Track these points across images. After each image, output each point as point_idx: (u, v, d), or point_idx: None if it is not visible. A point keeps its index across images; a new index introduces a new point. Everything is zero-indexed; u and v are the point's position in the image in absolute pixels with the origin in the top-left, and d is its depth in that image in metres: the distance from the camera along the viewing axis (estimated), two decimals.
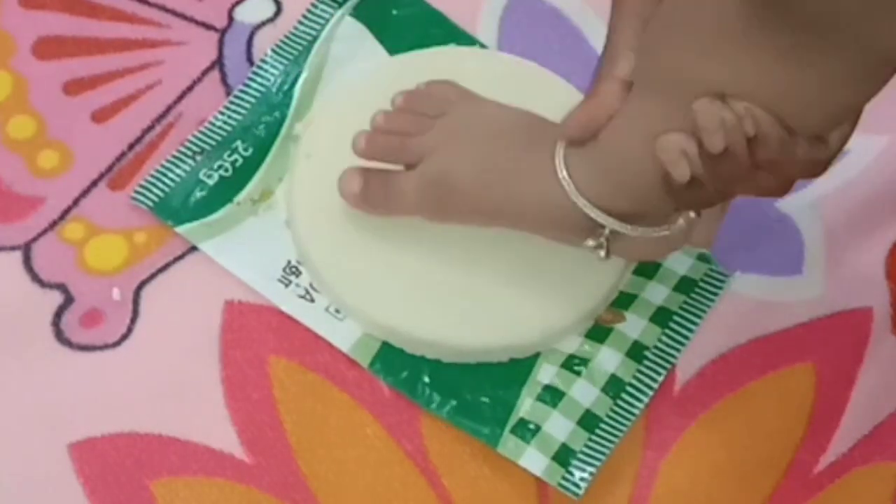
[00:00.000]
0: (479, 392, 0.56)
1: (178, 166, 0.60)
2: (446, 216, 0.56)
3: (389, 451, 0.56)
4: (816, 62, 0.41)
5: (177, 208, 0.60)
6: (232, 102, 0.62)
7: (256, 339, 0.58)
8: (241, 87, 0.63)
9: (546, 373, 0.57)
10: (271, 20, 0.65)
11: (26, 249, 0.59)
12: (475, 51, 0.64)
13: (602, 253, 0.52)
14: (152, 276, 0.59)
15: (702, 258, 0.59)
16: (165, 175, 0.60)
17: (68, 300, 0.58)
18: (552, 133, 0.52)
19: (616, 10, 0.50)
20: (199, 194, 0.60)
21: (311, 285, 0.58)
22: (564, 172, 0.51)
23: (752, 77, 0.43)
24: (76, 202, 0.61)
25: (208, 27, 0.65)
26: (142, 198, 0.60)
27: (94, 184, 0.61)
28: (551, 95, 0.60)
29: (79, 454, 0.55)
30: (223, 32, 0.65)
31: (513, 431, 0.55)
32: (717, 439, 0.56)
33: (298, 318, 0.58)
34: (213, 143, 0.61)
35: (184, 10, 0.65)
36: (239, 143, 0.61)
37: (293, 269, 0.58)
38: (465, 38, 0.65)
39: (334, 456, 0.56)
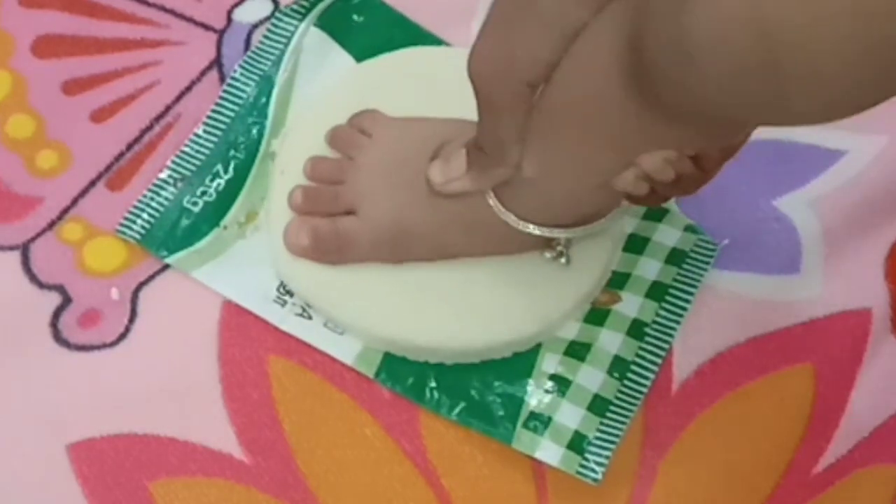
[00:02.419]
0: (487, 390, 0.56)
1: (160, 195, 0.60)
2: (404, 258, 0.56)
3: (389, 451, 0.56)
4: (687, 130, 0.43)
5: (164, 238, 0.59)
6: (207, 125, 0.61)
7: (255, 339, 0.58)
8: (215, 107, 0.62)
9: (550, 362, 0.57)
10: (269, 19, 0.65)
11: (24, 249, 0.59)
12: (442, 49, 0.64)
13: (563, 261, 0.56)
14: (150, 277, 0.59)
15: (689, 229, 0.59)
16: (149, 205, 0.60)
17: (66, 300, 0.58)
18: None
19: (494, 108, 0.48)
20: (185, 222, 0.59)
21: (306, 303, 0.58)
22: (501, 208, 0.52)
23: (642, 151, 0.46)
24: (75, 202, 0.60)
25: (207, 27, 0.65)
26: (127, 231, 0.59)
27: (93, 184, 0.61)
28: None
29: (77, 455, 0.55)
30: (222, 33, 0.65)
31: (525, 426, 0.55)
32: (716, 439, 0.56)
33: (298, 336, 0.57)
34: (193, 168, 0.60)
35: (183, 10, 0.65)
36: (219, 166, 0.60)
37: (287, 289, 0.58)
38: (429, 39, 0.64)
39: (333, 456, 0.56)
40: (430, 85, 0.60)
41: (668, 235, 0.59)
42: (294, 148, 0.60)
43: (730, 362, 0.58)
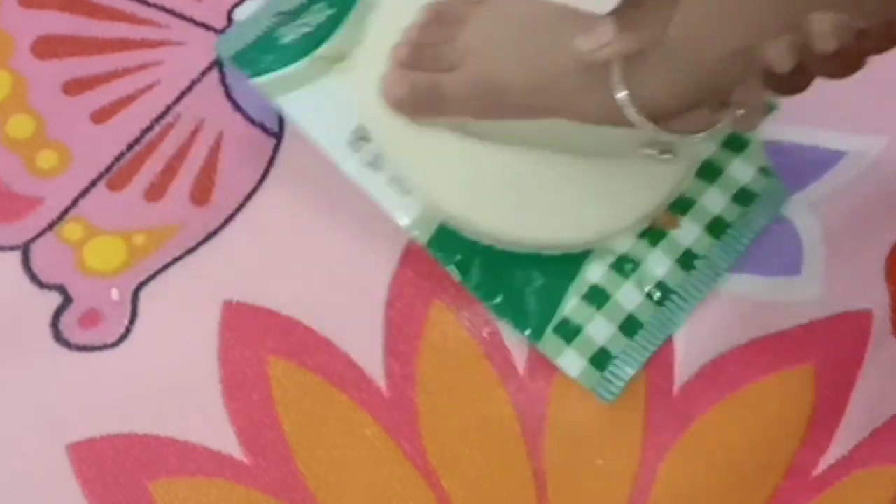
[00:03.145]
0: (528, 285, 0.57)
1: (261, 21, 0.61)
2: (495, 115, 0.56)
3: (388, 452, 0.56)
4: None
5: (254, 59, 0.60)
6: None
7: (255, 340, 0.58)
8: None
9: (595, 272, 0.57)
10: None
11: (25, 250, 0.59)
12: None
13: (667, 156, 0.55)
14: (151, 277, 0.59)
15: (763, 171, 0.59)
16: (248, 28, 0.61)
17: (67, 301, 0.58)
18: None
19: None
20: (277, 48, 0.60)
21: (379, 154, 0.58)
22: (623, 91, 0.51)
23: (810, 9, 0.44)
24: (75, 202, 0.60)
25: (207, 28, 0.65)
26: (223, 48, 0.60)
27: (93, 184, 0.61)
28: None
29: (77, 455, 0.55)
30: (222, 33, 0.65)
31: (555, 330, 0.56)
32: (717, 440, 0.56)
33: (360, 185, 0.57)
34: (296, 4, 0.61)
35: (183, 10, 0.65)
36: (322, 4, 0.61)
37: (364, 135, 0.58)
38: None
39: (333, 456, 0.56)
40: None
41: (742, 171, 0.59)
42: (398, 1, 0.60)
43: (731, 363, 0.58)
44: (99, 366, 0.57)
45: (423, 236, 0.57)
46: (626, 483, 0.56)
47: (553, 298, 0.56)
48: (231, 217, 0.60)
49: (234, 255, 0.60)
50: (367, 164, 0.58)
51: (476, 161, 0.57)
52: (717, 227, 0.58)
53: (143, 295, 0.59)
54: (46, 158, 0.62)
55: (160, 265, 0.59)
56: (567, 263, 0.57)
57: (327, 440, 0.56)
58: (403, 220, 0.57)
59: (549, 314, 0.56)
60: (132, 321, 0.58)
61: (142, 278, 0.59)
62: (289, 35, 0.60)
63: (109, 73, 0.64)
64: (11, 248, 0.59)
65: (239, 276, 0.59)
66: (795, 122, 0.63)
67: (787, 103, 0.63)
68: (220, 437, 0.56)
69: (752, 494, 0.56)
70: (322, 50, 0.60)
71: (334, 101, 0.59)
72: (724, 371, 0.58)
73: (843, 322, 0.59)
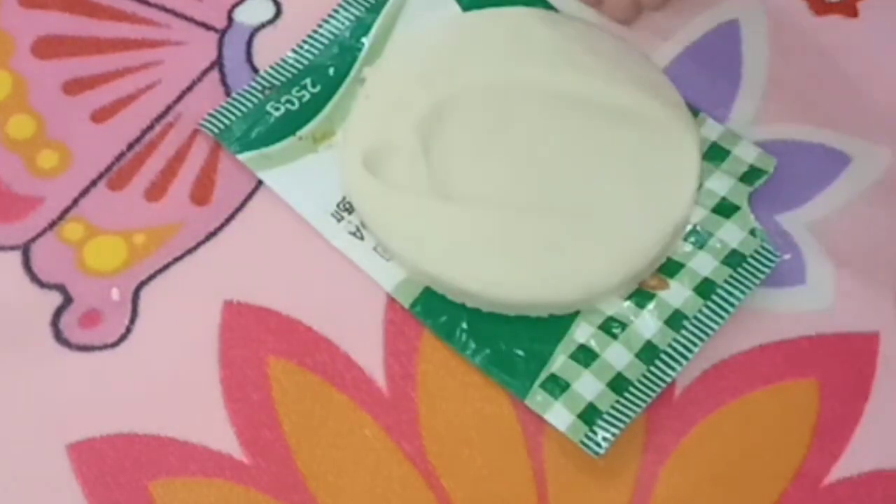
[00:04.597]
0: (515, 344, 0.57)
1: (247, 98, 0.62)
2: None
3: (388, 452, 0.56)
4: None
5: (240, 136, 0.61)
6: (305, 42, 0.64)
7: (255, 340, 0.58)
8: (315, 29, 0.64)
9: (583, 332, 0.57)
10: (271, 21, 0.65)
11: (25, 249, 0.59)
12: (551, 14, 0.65)
13: None
14: (151, 277, 0.59)
15: (754, 233, 0.58)
16: (234, 106, 0.62)
17: (67, 300, 0.58)
18: None
19: None
20: (263, 125, 0.61)
21: (362, 223, 0.59)
22: None
23: None
24: (75, 202, 0.60)
25: (208, 27, 0.65)
26: (209, 125, 0.62)
27: (94, 184, 0.61)
28: (619, 61, 0.62)
29: (77, 455, 0.55)
30: (223, 33, 0.65)
31: (542, 386, 0.56)
32: (719, 445, 0.56)
33: (346, 254, 0.59)
34: (284, 79, 0.63)
35: (183, 10, 0.65)
36: (308, 80, 0.63)
37: (347, 206, 0.60)
38: (540, 2, 0.65)
39: (333, 457, 0.56)
40: (529, 45, 0.62)
41: (732, 235, 0.59)
42: (382, 79, 0.62)
43: (734, 369, 0.58)
44: (99, 365, 0.57)
45: (406, 300, 0.58)
46: (627, 486, 0.55)
47: (540, 358, 0.56)
48: (231, 217, 0.60)
49: (234, 255, 0.60)
50: (351, 234, 0.59)
51: (458, 225, 0.58)
52: (706, 289, 0.57)
53: (143, 295, 0.59)
54: (47, 158, 0.62)
55: (160, 265, 0.59)
56: (554, 324, 0.57)
57: (327, 440, 0.56)
58: (388, 286, 0.58)
59: (536, 372, 0.56)
60: (132, 321, 0.58)
61: (142, 278, 0.59)
62: (275, 111, 0.62)
63: (110, 73, 0.64)
64: (12, 248, 0.59)
65: (239, 276, 0.59)
66: (798, 121, 0.63)
67: (792, 102, 0.63)
68: (220, 437, 0.55)
69: (755, 501, 0.55)
70: (306, 129, 0.62)
71: (318, 177, 0.61)
72: (727, 376, 0.57)
73: (850, 340, 0.58)
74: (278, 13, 0.66)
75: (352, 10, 0.65)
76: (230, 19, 0.65)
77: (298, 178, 0.61)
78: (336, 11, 0.65)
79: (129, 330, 0.58)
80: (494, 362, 0.56)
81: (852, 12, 0.66)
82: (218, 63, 0.64)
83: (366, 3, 0.65)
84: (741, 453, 0.56)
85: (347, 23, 0.65)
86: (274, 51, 0.64)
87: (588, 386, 0.56)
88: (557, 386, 0.56)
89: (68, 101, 0.63)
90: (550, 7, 0.65)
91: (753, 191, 0.60)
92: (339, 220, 0.59)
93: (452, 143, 0.60)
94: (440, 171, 0.59)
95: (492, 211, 0.58)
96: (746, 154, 0.61)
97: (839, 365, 0.58)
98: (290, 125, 0.62)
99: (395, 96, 0.61)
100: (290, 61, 0.64)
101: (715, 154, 0.60)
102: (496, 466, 0.56)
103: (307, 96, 0.62)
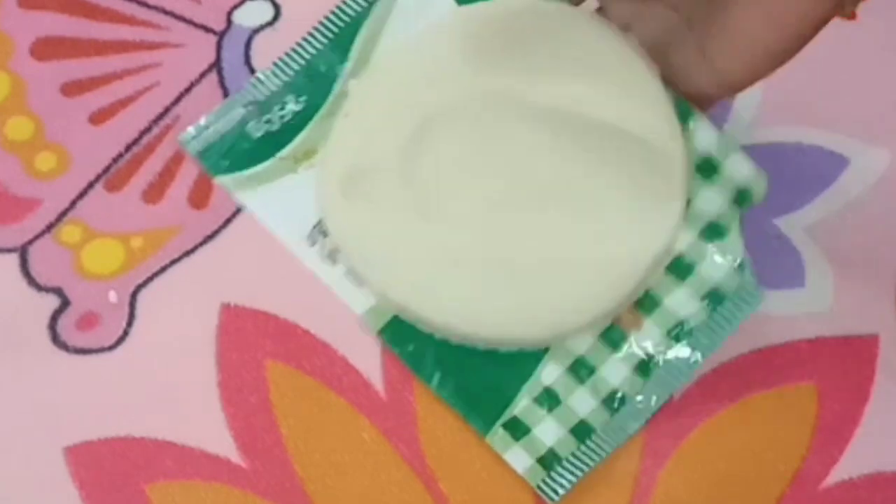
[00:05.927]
0: (481, 379, 0.56)
1: (228, 115, 0.61)
2: None
3: (386, 456, 0.56)
4: None
5: (218, 158, 0.60)
6: (289, 56, 0.62)
7: (253, 343, 0.57)
8: (302, 39, 0.62)
9: (550, 373, 0.56)
10: (270, 24, 0.65)
11: (23, 252, 0.59)
12: (547, 6, 0.59)
13: None
14: (149, 280, 0.59)
15: (740, 267, 0.55)
16: (215, 123, 0.61)
17: (65, 303, 0.58)
18: None
19: None
20: (243, 146, 0.60)
21: (335, 247, 0.58)
22: None
23: None
24: (73, 204, 0.60)
25: (207, 30, 0.65)
26: (188, 143, 0.61)
27: (91, 186, 0.61)
28: (624, 70, 0.57)
29: (74, 458, 0.55)
30: (222, 35, 0.65)
31: (504, 426, 0.55)
32: (718, 449, 0.56)
33: (320, 278, 0.58)
34: (266, 95, 0.61)
35: (182, 12, 0.65)
36: (291, 97, 0.61)
37: (322, 230, 0.59)
38: None
39: (331, 460, 0.56)
40: (526, 44, 0.58)
41: (716, 268, 0.55)
42: (365, 94, 0.59)
43: (732, 372, 0.57)
44: (97, 368, 0.57)
45: (375, 326, 0.57)
46: (625, 489, 0.55)
47: (505, 396, 0.55)
48: (229, 220, 0.60)
49: (232, 258, 0.60)
50: (325, 258, 0.58)
51: (430, 255, 0.56)
52: (680, 333, 0.55)
53: (140, 298, 0.59)
54: (45, 160, 0.62)
55: (158, 268, 0.59)
56: (522, 361, 0.56)
57: (325, 444, 0.56)
58: (358, 310, 0.57)
59: (500, 411, 0.55)
60: (130, 324, 0.58)
61: (140, 281, 0.59)
62: (255, 132, 0.61)
63: (108, 75, 0.64)
64: (9, 251, 0.59)
65: (237, 279, 0.59)
66: (796, 124, 0.63)
67: (792, 102, 0.63)
68: (218, 440, 0.55)
69: (755, 503, 0.55)
70: (287, 150, 0.60)
71: (296, 198, 0.59)
72: (726, 380, 0.57)
73: (849, 343, 0.58)
74: (277, 15, 0.66)
75: (343, 16, 0.62)
76: (229, 21, 0.65)
77: (276, 200, 0.59)
78: (321, 24, 0.62)
79: (126, 333, 0.58)
80: (459, 396, 0.56)
81: (851, 14, 0.66)
82: (216, 65, 0.64)
83: (352, 12, 0.62)
84: (740, 456, 0.56)
85: (332, 35, 0.62)
86: (273, 53, 0.64)
87: (549, 431, 0.55)
88: (519, 428, 0.55)
89: (67, 102, 0.63)
90: None
91: (744, 213, 0.56)
92: (312, 244, 0.58)
93: (432, 164, 0.57)
94: (419, 194, 0.57)
95: (466, 240, 0.56)
96: (739, 170, 0.56)
97: (838, 367, 0.58)
98: (270, 147, 0.60)
99: (377, 114, 0.58)
100: (273, 75, 0.62)
101: (706, 168, 0.56)
102: (495, 470, 0.55)
103: (288, 115, 0.61)
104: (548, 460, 0.54)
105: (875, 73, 0.65)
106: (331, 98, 0.61)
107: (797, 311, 0.59)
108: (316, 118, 0.61)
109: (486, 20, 0.60)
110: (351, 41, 0.62)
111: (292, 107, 0.61)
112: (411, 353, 0.56)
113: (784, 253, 0.60)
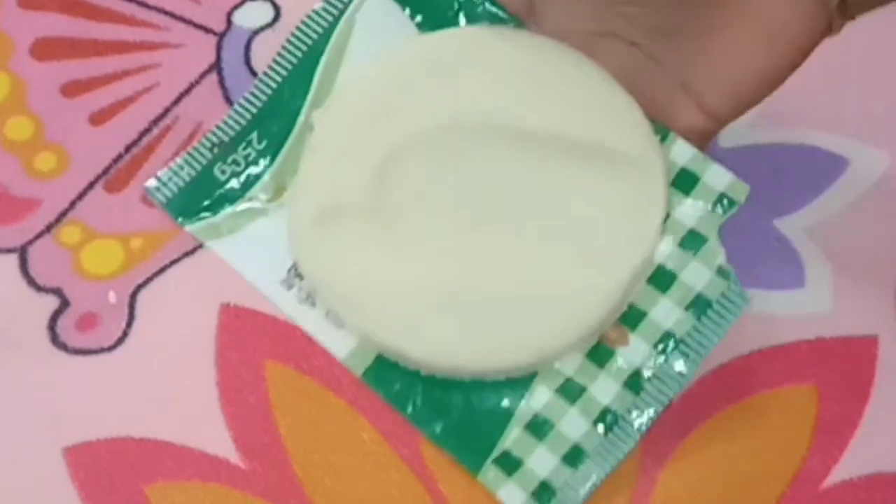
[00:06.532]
0: (470, 414, 0.54)
1: (195, 160, 0.60)
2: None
3: (386, 457, 0.56)
4: None
5: (186, 206, 0.59)
6: (253, 91, 0.60)
7: (252, 344, 0.57)
8: (264, 73, 0.60)
9: (539, 398, 0.54)
10: (270, 25, 0.65)
11: (22, 252, 0.59)
12: (515, 32, 0.59)
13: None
14: (148, 280, 0.59)
15: (721, 272, 0.54)
16: (182, 169, 0.60)
17: (64, 304, 0.58)
18: None
19: None
20: (210, 192, 0.59)
21: (312, 290, 0.57)
22: None
23: None
24: (73, 205, 0.60)
25: (207, 30, 0.65)
26: (156, 193, 0.60)
27: (91, 186, 0.61)
28: (590, 85, 0.56)
29: (74, 458, 0.55)
30: (222, 36, 0.65)
31: (495, 462, 0.54)
32: (718, 449, 0.56)
33: (298, 324, 0.57)
34: (231, 133, 0.60)
35: (182, 12, 0.65)
36: (254, 134, 0.59)
37: (298, 272, 0.57)
38: (501, 18, 0.59)
39: (330, 461, 0.55)
40: (491, 68, 0.57)
41: (698, 275, 0.54)
42: (330, 126, 0.58)
43: (731, 374, 0.57)
44: (96, 369, 0.57)
45: (359, 369, 0.56)
46: (625, 489, 0.55)
47: (495, 428, 0.54)
48: None
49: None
50: (302, 301, 0.57)
51: (408, 291, 0.54)
52: (667, 344, 0.54)
53: (140, 298, 0.59)
54: (45, 161, 0.62)
55: (157, 268, 0.59)
56: (510, 389, 0.54)
57: (324, 444, 0.56)
58: (340, 354, 0.56)
59: (490, 446, 0.54)
60: (129, 324, 0.58)
61: (139, 281, 0.59)
62: (221, 175, 0.59)
63: (108, 76, 0.64)
64: (9, 251, 0.59)
65: (237, 280, 0.59)
66: (795, 125, 0.63)
67: (791, 103, 0.63)
68: (217, 441, 0.55)
69: (755, 503, 0.55)
70: (253, 191, 0.59)
71: (268, 242, 0.58)
72: (725, 381, 0.57)
73: (849, 344, 0.58)
74: (277, 16, 0.66)
75: (300, 45, 0.60)
76: (229, 22, 0.65)
77: (249, 245, 0.58)
78: (285, 48, 0.60)
79: (126, 333, 0.58)
80: (448, 435, 0.54)
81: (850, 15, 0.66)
82: (216, 66, 0.64)
83: (309, 41, 0.60)
84: (740, 457, 0.56)
85: (295, 60, 0.60)
86: (272, 54, 0.64)
87: (542, 462, 0.53)
88: (510, 462, 0.53)
89: (66, 103, 0.63)
90: (506, 19, 0.59)
91: (723, 222, 0.55)
92: (288, 288, 0.57)
93: (401, 197, 0.55)
94: (391, 229, 0.55)
95: (443, 272, 0.54)
96: (718, 181, 0.55)
97: (838, 368, 0.58)
98: (236, 191, 0.59)
99: (342, 148, 0.56)
100: (237, 113, 0.60)
101: (684, 181, 0.55)
102: None
103: (252, 154, 0.59)
104: (542, 493, 0.53)
105: (875, 73, 0.65)
106: (295, 130, 0.59)
107: (797, 312, 0.59)
108: (281, 154, 0.59)
109: (448, 46, 0.59)
110: (312, 70, 0.60)
111: (256, 144, 0.59)
112: (397, 392, 0.55)
113: (784, 254, 0.60)
